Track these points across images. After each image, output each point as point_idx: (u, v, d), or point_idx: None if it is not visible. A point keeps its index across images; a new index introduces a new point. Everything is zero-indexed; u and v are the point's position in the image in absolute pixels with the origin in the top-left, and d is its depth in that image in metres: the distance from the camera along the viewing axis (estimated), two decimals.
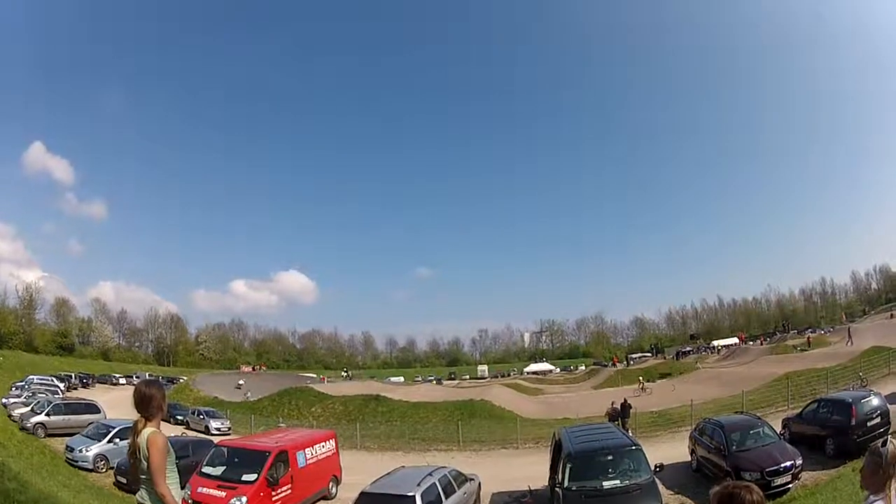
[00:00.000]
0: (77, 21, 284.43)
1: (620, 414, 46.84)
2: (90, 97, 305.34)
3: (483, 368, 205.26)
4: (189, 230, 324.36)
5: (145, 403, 7.42)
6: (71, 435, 41.49)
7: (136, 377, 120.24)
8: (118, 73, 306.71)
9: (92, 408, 49.88)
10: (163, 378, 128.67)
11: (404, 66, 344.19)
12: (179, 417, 65.28)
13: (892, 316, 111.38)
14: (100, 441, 36.75)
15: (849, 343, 77.31)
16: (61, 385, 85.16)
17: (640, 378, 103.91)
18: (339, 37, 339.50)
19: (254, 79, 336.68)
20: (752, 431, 27.12)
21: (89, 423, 42.97)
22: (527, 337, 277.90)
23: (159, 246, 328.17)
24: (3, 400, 58.17)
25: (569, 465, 21.95)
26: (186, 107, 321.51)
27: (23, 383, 76.67)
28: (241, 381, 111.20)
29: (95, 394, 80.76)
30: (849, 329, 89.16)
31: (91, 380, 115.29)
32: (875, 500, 5.48)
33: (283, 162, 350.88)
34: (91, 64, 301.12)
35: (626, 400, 49.05)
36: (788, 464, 23.77)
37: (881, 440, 5.74)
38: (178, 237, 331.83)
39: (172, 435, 39.17)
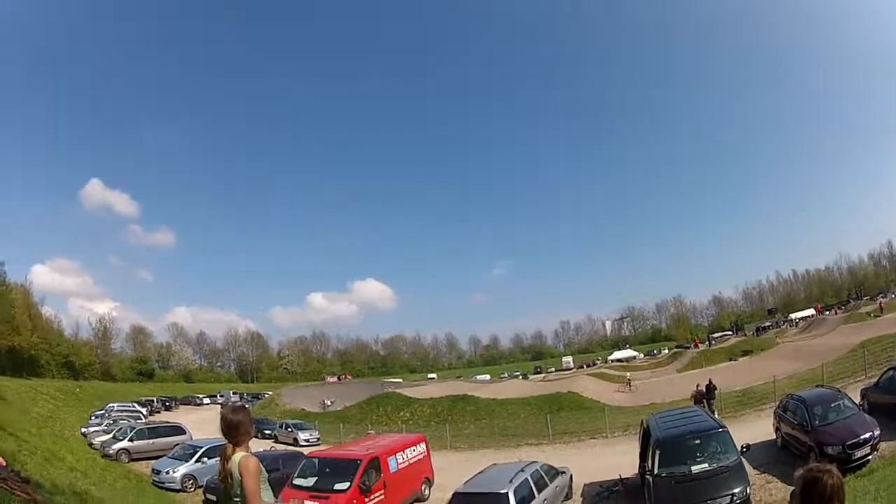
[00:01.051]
0: (108, 48, 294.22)
1: (706, 396, 46.44)
2: (140, 129, 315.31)
3: (567, 360, 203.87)
4: (258, 249, 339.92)
5: (233, 430, 7.56)
6: (157, 458, 42.45)
7: (221, 396, 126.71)
8: (161, 100, 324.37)
9: (177, 429, 50.90)
10: (247, 394, 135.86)
11: (473, 65, 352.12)
12: (267, 431, 66.50)
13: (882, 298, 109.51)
14: (187, 461, 37.80)
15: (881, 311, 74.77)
16: (143, 410, 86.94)
17: (628, 376, 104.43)
18: (411, 41, 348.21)
19: (309, 92, 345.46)
20: (832, 405, 26.84)
21: (175, 445, 43.90)
22: (608, 325, 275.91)
23: (231, 267, 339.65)
24: (83, 429, 59.30)
25: (658, 452, 22.36)
26: (243, 126, 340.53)
27: (102, 411, 77.94)
28: (326, 400, 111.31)
29: (179, 416, 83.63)
30: (879, 302, 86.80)
31: (174, 402, 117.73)
32: None
33: (350, 172, 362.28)
34: (133, 96, 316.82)
35: (710, 381, 48.60)
36: (868, 435, 23.59)
37: None
38: (249, 256, 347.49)
39: (261, 449, 41.69)
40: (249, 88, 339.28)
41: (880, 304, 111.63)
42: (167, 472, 37.19)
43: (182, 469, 37.14)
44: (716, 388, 47.71)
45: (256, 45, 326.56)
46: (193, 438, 47.43)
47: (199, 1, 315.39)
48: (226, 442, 7.68)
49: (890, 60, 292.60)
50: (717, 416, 35.78)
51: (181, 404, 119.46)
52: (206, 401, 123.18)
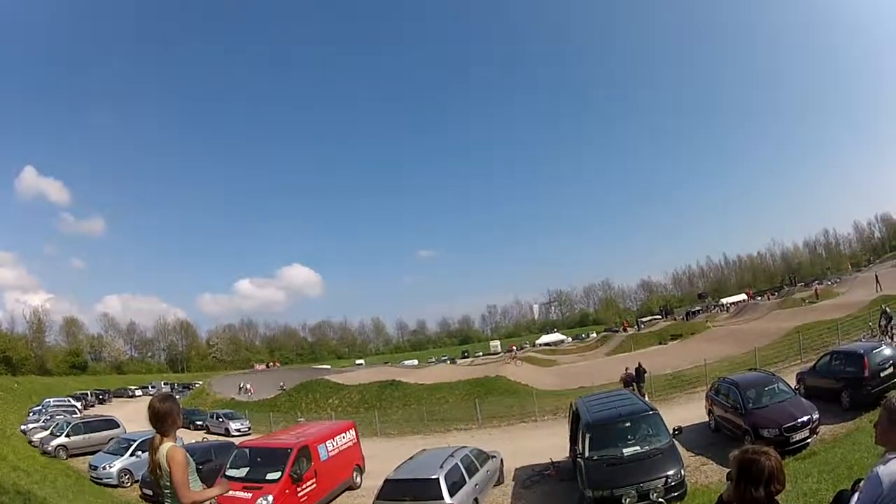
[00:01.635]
0: (49, 35, 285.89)
1: (635, 379, 46.63)
2: (73, 114, 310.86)
3: (495, 344, 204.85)
4: (187, 235, 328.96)
5: (160, 420, 7.38)
6: (93, 453, 41.59)
7: (153, 387, 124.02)
8: (99, 85, 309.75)
9: (111, 423, 50.26)
10: (178, 384, 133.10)
11: (399, 54, 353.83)
12: (199, 422, 65.74)
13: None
14: (122, 455, 37.02)
15: (879, 289, 75.69)
16: (78, 404, 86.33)
17: (514, 348, 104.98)
18: (325, 31, 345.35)
19: (238, 78, 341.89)
20: (767, 388, 27.01)
21: (110, 439, 43.33)
22: (536, 309, 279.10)
23: (160, 254, 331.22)
24: (22, 426, 58.89)
25: (588, 436, 22.14)
26: (174, 111, 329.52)
27: (39, 407, 77.10)
28: (247, 384, 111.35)
29: (113, 409, 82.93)
30: (876, 275, 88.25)
31: (107, 395, 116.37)
32: (892, 458, 5.39)
33: (274, 157, 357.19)
34: (70, 80, 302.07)
35: (640, 364, 48.63)
36: (806, 419, 23.66)
37: (893, 393, 5.70)
38: (178, 243, 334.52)
39: (193, 441, 40.85)
40: (178, 73, 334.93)
41: (816, 290, 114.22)
42: (104, 468, 36.51)
43: (118, 464, 36.47)
44: (645, 372, 47.90)
45: (187, 29, 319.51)
46: (127, 432, 46.58)
47: None
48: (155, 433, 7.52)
49: (814, 39, 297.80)
50: (647, 399, 35.27)
51: (114, 397, 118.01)
52: (139, 392, 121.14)
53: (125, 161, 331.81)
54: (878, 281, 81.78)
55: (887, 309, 40.54)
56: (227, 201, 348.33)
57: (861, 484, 5.67)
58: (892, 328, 37.08)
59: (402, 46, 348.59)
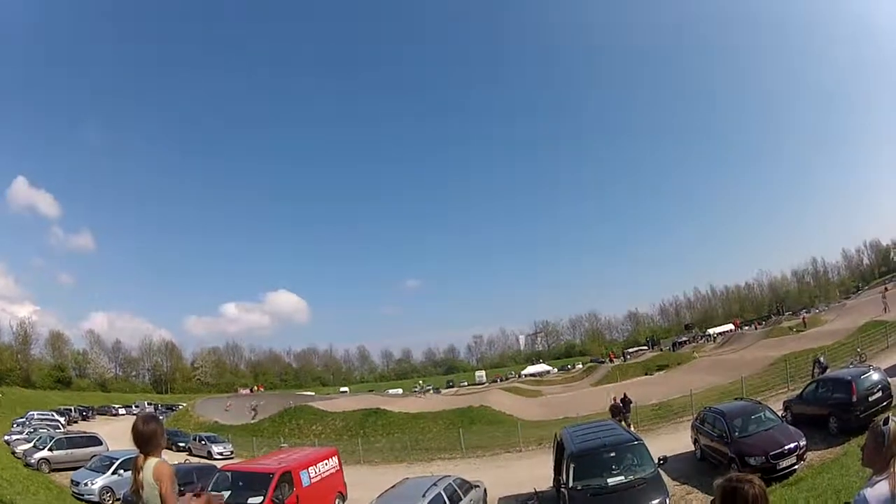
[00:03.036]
0: (43, 49, 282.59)
1: (622, 409, 46.34)
2: (67, 127, 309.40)
3: (480, 374, 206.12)
4: (174, 256, 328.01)
5: (145, 441, 7.31)
6: (75, 468, 41.65)
7: (136, 406, 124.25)
8: (94, 102, 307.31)
9: (93, 440, 50.10)
10: (161, 405, 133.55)
11: (382, 75, 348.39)
12: (182, 444, 65.15)
13: (886, 290, 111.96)
14: (104, 473, 36.97)
15: (886, 309, 75.20)
16: (62, 419, 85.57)
17: (420, 381, 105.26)
18: (310, 53, 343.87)
19: (230, 100, 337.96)
20: (753, 416, 27.12)
21: (92, 456, 43.13)
22: (522, 339, 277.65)
23: (149, 274, 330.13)
24: (6, 437, 58.56)
25: (572, 465, 22.05)
26: (165, 132, 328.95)
27: (24, 419, 77.22)
28: (254, 402, 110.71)
29: (96, 426, 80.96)
30: (884, 292, 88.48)
31: (91, 412, 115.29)
32: (878, 480, 5.42)
33: (264, 183, 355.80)
34: (67, 94, 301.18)
35: (625, 395, 48.57)
36: (793, 445, 23.72)
37: (883, 417, 5.71)
38: (165, 264, 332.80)
39: (176, 462, 39.39)
40: (172, 93, 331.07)
41: (804, 318, 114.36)
42: (86, 484, 36.54)
43: (100, 481, 36.44)
44: (631, 402, 47.72)
45: (182, 47, 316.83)
46: (109, 450, 46.28)
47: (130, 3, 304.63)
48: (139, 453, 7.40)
49: (809, 75, 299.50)
50: (632, 429, 35.86)
51: (98, 414, 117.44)
52: (122, 411, 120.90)
53: (115, 178, 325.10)
54: (885, 298, 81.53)
55: (821, 358, 40.86)
56: (215, 224, 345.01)
57: None
58: None
59: (382, 70, 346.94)
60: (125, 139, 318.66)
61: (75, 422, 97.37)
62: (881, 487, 5.34)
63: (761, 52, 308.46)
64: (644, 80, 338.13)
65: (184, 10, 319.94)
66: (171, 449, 60.13)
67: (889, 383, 27.92)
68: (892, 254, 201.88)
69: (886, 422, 5.57)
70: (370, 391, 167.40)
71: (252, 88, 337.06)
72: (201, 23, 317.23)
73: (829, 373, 36.50)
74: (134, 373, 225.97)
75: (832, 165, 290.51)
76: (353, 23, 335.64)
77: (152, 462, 7.20)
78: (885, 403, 26.59)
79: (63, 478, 41.52)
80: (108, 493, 35.99)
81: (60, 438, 49.28)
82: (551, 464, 28.46)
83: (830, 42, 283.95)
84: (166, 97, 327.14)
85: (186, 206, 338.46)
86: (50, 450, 46.10)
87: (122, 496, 34.04)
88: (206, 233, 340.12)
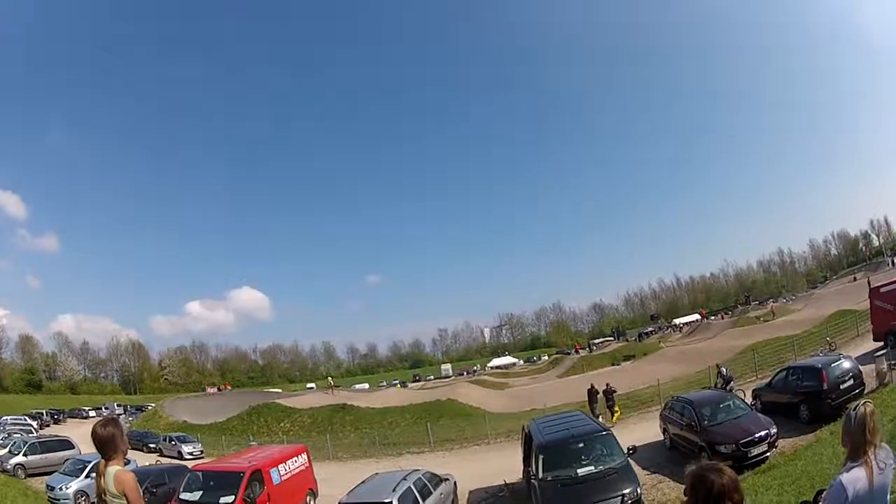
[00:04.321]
0: (6, 49, 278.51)
1: (589, 400, 47.05)
2: (32, 127, 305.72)
3: (446, 367, 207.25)
4: (138, 255, 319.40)
5: (103, 445, 7.22)
6: (49, 473, 41.44)
7: (106, 408, 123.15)
8: (59, 100, 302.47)
9: (66, 444, 49.54)
10: (131, 406, 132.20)
11: (342, 72, 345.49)
12: (152, 445, 65.00)
13: (854, 279, 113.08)
14: (77, 477, 36.69)
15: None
16: (34, 423, 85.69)
17: (330, 378, 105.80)
18: (272, 47, 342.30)
19: (192, 97, 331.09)
20: (722, 405, 27.46)
21: (65, 460, 42.89)
22: (487, 332, 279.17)
23: (113, 274, 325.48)
24: None
25: (541, 457, 22.10)
26: (127, 130, 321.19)
27: None
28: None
29: (67, 429, 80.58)
30: (868, 280, 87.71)
31: (62, 415, 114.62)
32: (852, 466, 5.53)
33: (221, 177, 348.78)
34: (28, 93, 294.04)
35: (592, 385, 48.78)
36: (763, 433, 24.03)
37: (854, 404, 5.74)
38: (131, 263, 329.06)
39: (147, 463, 41.02)
40: (133, 92, 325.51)
41: (771, 308, 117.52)
42: (60, 489, 36.28)
43: (74, 485, 36.15)
44: (598, 392, 47.75)
45: (146, 48, 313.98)
46: (82, 453, 45.60)
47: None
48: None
49: (769, 63, 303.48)
50: (601, 419, 36.14)
51: (69, 417, 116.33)
52: (93, 413, 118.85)
53: (80, 179, 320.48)
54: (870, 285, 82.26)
55: (723, 370, 40.78)
56: (178, 221, 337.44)
57: (824, 494, 5.74)
58: (730, 390, 37.38)
59: (342, 67, 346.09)
60: (90, 136, 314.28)
61: (47, 425, 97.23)
62: (856, 473, 5.43)
63: (729, 46, 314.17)
64: (610, 75, 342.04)
65: (147, 7, 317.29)
66: (141, 450, 60.38)
67: (860, 371, 28.33)
68: (861, 244, 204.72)
69: (856, 407, 5.70)
70: (337, 387, 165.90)
71: (209, 84, 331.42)
72: (159, 22, 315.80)
73: (798, 361, 36.60)
74: (103, 374, 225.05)
75: (799, 157, 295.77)
76: (318, 22, 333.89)
77: (113, 470, 7.15)
78: (857, 391, 26.98)
79: (38, 483, 41.33)
80: (82, 496, 35.77)
81: (34, 443, 49.00)
82: (520, 456, 28.62)
83: (790, 36, 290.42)
84: (130, 96, 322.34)
85: (148, 203, 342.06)
86: (24, 455, 45.82)
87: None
88: (169, 230, 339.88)
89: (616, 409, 45.77)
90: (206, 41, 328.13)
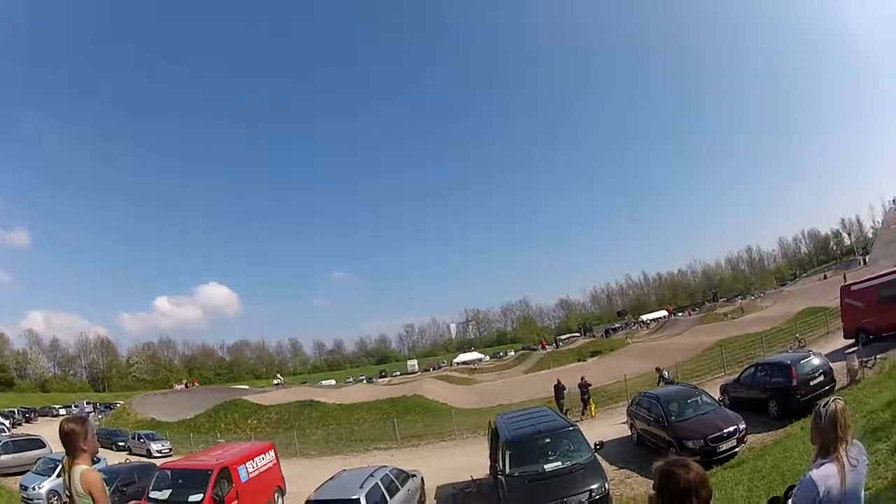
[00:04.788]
0: None
1: (556, 396, 47.54)
2: (4, 122, 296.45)
3: (413, 363, 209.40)
4: (107, 250, 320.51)
5: (67, 441, 7.10)
6: (22, 472, 41.42)
7: (76, 406, 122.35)
8: (30, 94, 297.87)
9: (37, 443, 49.30)
10: (100, 404, 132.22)
11: (315, 73, 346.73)
12: (121, 443, 64.57)
13: (825, 277, 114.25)
14: (49, 476, 36.60)
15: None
16: (6, 422, 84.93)
17: (279, 375, 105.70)
18: (241, 51, 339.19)
19: (165, 94, 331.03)
20: (689, 401, 27.59)
21: (37, 459, 42.69)
22: (453, 328, 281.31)
23: (82, 269, 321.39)
24: None
25: (508, 453, 22.11)
26: (99, 126, 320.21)
27: None
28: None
29: (39, 428, 79.68)
30: (844, 275, 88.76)
31: (33, 414, 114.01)
32: (823, 463, 5.49)
33: (190, 174, 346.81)
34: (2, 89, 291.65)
35: (559, 381, 49.37)
36: (731, 429, 24.13)
37: (824, 400, 5.67)
38: (99, 258, 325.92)
39: (116, 462, 41.27)
40: (106, 87, 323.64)
41: (741, 305, 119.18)
42: (33, 488, 36.18)
43: (46, 484, 36.09)
44: (564, 388, 48.37)
45: (118, 42, 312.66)
46: (53, 452, 45.15)
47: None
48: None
49: (743, 68, 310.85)
50: (568, 414, 37.08)
51: (40, 416, 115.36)
52: (63, 412, 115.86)
53: (51, 173, 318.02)
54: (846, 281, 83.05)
55: (665, 373, 41.55)
56: (145, 216, 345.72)
57: (794, 490, 5.67)
58: None
59: (315, 69, 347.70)
60: (63, 131, 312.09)
61: (19, 424, 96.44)
62: (827, 469, 5.40)
63: (702, 47, 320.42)
64: (583, 75, 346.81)
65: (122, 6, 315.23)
66: (111, 448, 59.82)
67: (831, 368, 28.44)
68: (832, 243, 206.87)
69: (826, 404, 5.63)
70: (304, 383, 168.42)
71: (179, 82, 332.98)
72: (136, 21, 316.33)
73: (767, 357, 36.82)
74: (72, 371, 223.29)
75: (769, 156, 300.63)
76: (283, 23, 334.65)
77: (79, 469, 7.01)
78: (827, 387, 27.08)
79: (11, 482, 41.26)
80: (54, 496, 35.51)
81: (7, 442, 48.89)
82: (487, 451, 28.67)
83: (759, 37, 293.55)
84: (104, 93, 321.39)
85: (117, 199, 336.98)
86: None
87: None
88: (137, 226, 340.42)
89: (591, 402, 45.95)
90: (173, 39, 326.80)
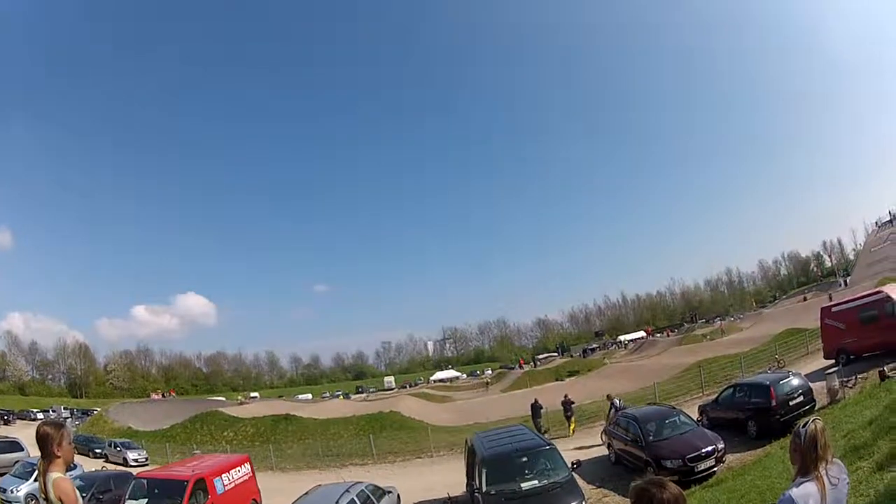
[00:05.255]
0: None
1: (533, 414, 47.98)
2: None
3: (389, 380, 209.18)
4: (88, 255, 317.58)
5: (41, 444, 7.06)
6: (0, 475, 41.10)
7: (53, 411, 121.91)
8: (12, 98, 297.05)
9: (15, 446, 49.29)
10: (77, 410, 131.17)
11: (295, 72, 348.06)
12: (98, 451, 64.45)
13: (805, 299, 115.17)
14: (27, 480, 36.64)
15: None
16: None
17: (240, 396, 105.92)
18: (217, 49, 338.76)
19: (142, 97, 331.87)
20: (667, 421, 27.69)
21: (15, 462, 42.77)
22: (430, 345, 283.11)
23: (63, 273, 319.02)
24: None
25: (484, 470, 22.03)
26: (81, 128, 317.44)
27: None
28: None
29: (16, 430, 79.99)
30: (829, 295, 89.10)
31: (12, 416, 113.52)
32: (803, 482, 5.51)
33: (171, 180, 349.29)
34: None
35: (536, 400, 49.73)
36: (710, 448, 24.20)
37: (804, 420, 5.71)
38: (80, 263, 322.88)
39: (93, 469, 40.97)
40: (88, 91, 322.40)
41: (721, 326, 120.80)
42: (12, 492, 36.40)
43: (24, 488, 36.31)
44: (542, 408, 48.89)
45: (95, 46, 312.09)
46: (31, 455, 45.57)
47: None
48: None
49: (727, 81, 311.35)
50: (546, 435, 36.31)
51: (18, 419, 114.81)
52: (40, 416, 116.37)
53: (34, 173, 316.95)
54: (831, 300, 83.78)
55: (616, 401, 40.74)
56: (126, 221, 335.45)
57: None
58: None
59: (296, 68, 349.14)
60: (45, 131, 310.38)
61: None
62: (807, 488, 5.43)
63: (679, 57, 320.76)
64: (561, 83, 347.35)
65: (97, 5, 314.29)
66: (87, 455, 60.20)
67: (811, 388, 28.62)
68: (812, 265, 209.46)
69: (806, 424, 5.69)
70: (280, 397, 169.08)
71: (158, 83, 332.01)
72: (113, 21, 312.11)
73: (746, 378, 37.17)
74: (50, 376, 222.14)
75: (747, 178, 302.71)
76: (258, 22, 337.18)
77: (52, 477, 6.96)
78: (807, 407, 27.34)
79: None
80: (32, 499, 35.64)
81: None
82: (464, 469, 28.43)
83: (736, 43, 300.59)
84: (83, 93, 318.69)
85: (100, 202, 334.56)
86: None
87: None
88: (118, 231, 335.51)
89: (573, 420, 46.31)
90: (150, 40, 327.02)
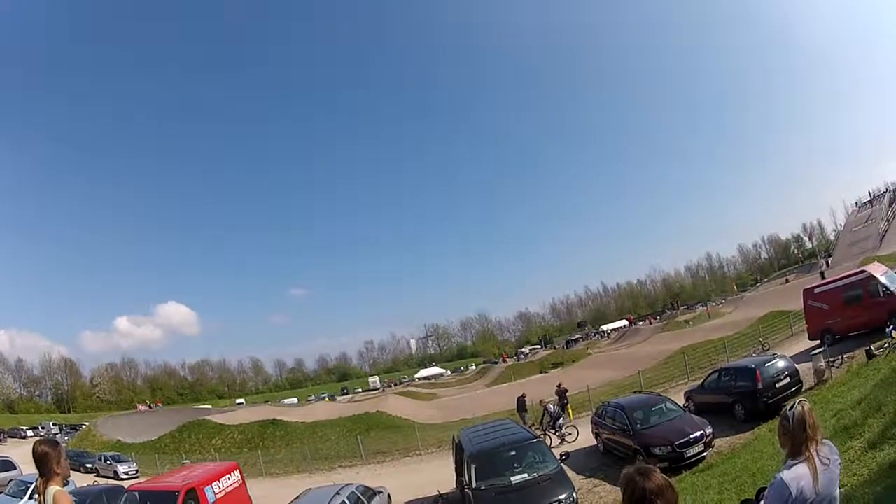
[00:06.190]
0: None
1: (518, 408, 47.63)
2: None
3: (374, 380, 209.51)
4: (69, 268, 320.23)
5: (38, 463, 7.04)
6: None
7: (42, 428, 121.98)
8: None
9: (7, 465, 49.22)
10: (66, 425, 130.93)
11: (272, 74, 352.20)
12: (88, 465, 64.10)
13: (787, 281, 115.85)
14: (21, 498, 36.02)
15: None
16: None
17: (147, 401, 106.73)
18: (195, 52, 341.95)
19: (116, 101, 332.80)
20: (654, 408, 27.76)
21: (9, 481, 42.47)
22: (413, 343, 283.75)
23: (44, 287, 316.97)
24: None
25: (473, 466, 22.08)
26: (57, 133, 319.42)
27: None
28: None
29: (7, 449, 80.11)
30: (821, 272, 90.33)
31: (3, 435, 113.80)
32: (794, 464, 5.50)
33: (145, 189, 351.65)
34: None
35: (523, 394, 49.41)
36: (698, 434, 24.22)
37: (791, 402, 5.72)
38: (62, 276, 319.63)
39: (85, 484, 40.87)
40: (62, 94, 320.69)
41: (707, 310, 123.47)
42: None
43: None
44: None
45: (74, 46, 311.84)
46: (24, 474, 45.01)
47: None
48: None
49: (700, 71, 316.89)
50: (534, 428, 36.45)
51: (9, 437, 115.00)
52: (30, 433, 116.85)
53: (10, 184, 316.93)
54: (822, 273, 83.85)
55: (550, 406, 40.76)
56: (103, 233, 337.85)
57: (766, 492, 5.72)
58: (560, 427, 37.54)
59: (274, 70, 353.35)
60: (23, 142, 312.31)
61: None
62: (799, 470, 5.43)
63: (653, 51, 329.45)
64: (535, 79, 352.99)
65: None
66: (79, 470, 59.62)
67: (797, 370, 28.70)
68: (793, 247, 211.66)
69: (793, 406, 5.67)
70: (266, 402, 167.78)
71: (137, 86, 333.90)
72: (91, 21, 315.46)
73: (731, 362, 37.05)
74: (38, 392, 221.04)
75: (725, 163, 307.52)
76: (241, 23, 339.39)
77: (51, 491, 6.92)
78: (794, 388, 27.47)
79: None
80: None
81: None
82: (452, 466, 28.61)
83: (714, 38, 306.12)
84: (59, 98, 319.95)
85: (78, 213, 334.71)
86: None
87: None
88: (94, 243, 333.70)
89: (568, 407, 46.43)
90: (130, 39, 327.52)
